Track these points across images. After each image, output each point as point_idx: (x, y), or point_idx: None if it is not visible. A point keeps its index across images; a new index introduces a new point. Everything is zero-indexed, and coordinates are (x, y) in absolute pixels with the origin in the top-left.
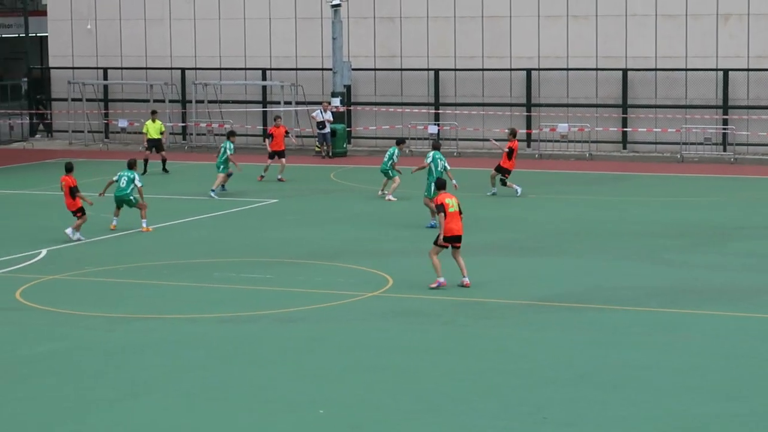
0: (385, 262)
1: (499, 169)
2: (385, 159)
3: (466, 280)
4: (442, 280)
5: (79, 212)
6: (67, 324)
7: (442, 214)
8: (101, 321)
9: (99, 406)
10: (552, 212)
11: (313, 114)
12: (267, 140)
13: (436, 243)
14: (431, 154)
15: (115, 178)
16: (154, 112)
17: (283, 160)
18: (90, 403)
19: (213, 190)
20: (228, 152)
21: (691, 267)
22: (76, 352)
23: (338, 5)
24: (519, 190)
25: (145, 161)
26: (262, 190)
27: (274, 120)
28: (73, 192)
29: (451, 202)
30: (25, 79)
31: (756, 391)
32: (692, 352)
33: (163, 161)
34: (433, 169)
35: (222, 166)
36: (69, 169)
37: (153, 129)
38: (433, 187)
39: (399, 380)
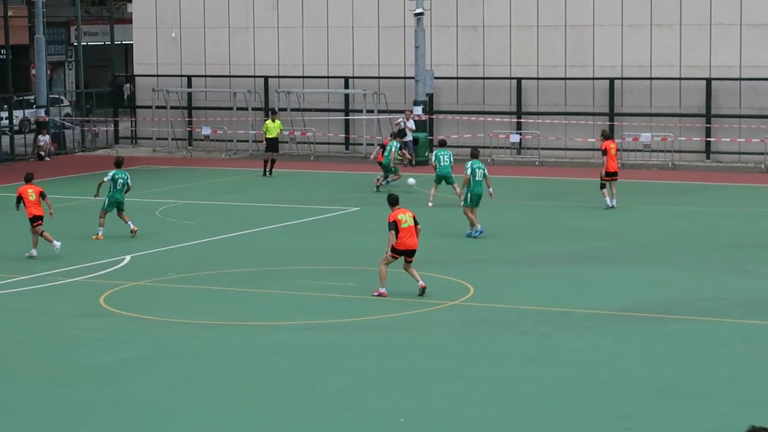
0: (466, 271)
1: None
2: (385, 153)
3: (421, 283)
4: (383, 290)
5: (40, 220)
6: (151, 330)
7: (393, 232)
8: (185, 327)
9: (189, 412)
10: (635, 222)
11: (397, 122)
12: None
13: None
14: (469, 164)
15: (107, 179)
16: (274, 112)
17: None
18: (179, 409)
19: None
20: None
21: None
22: (161, 359)
23: (421, 14)
24: (609, 202)
25: (265, 162)
26: (344, 198)
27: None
28: (42, 197)
29: (404, 217)
30: (128, 85)
31: None
32: None
33: (272, 162)
34: (471, 179)
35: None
36: (29, 179)
37: (273, 128)
38: (469, 197)
39: (480, 389)
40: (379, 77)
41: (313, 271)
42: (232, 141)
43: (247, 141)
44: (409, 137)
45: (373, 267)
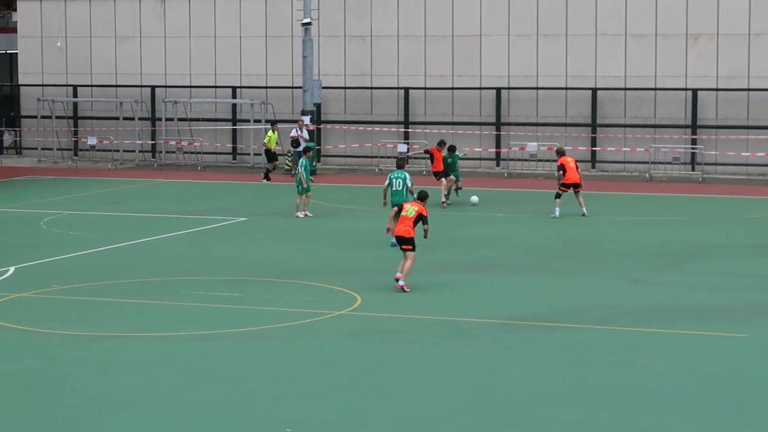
0: (353, 280)
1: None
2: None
3: (400, 283)
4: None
5: None
6: (36, 342)
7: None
8: (71, 339)
9: (79, 424)
10: (522, 231)
11: (292, 132)
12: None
13: None
14: (390, 174)
15: None
16: (274, 123)
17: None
18: (69, 421)
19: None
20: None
21: (661, 286)
22: (48, 371)
23: (309, 24)
24: (557, 212)
25: (267, 171)
26: (232, 209)
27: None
28: None
29: (409, 208)
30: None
31: (728, 410)
32: (663, 372)
33: (268, 171)
34: (389, 190)
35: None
36: None
37: (273, 139)
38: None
39: (369, 399)
40: (267, 87)
41: (200, 281)
42: (118, 151)
43: (134, 151)
44: (302, 147)
45: (259, 277)
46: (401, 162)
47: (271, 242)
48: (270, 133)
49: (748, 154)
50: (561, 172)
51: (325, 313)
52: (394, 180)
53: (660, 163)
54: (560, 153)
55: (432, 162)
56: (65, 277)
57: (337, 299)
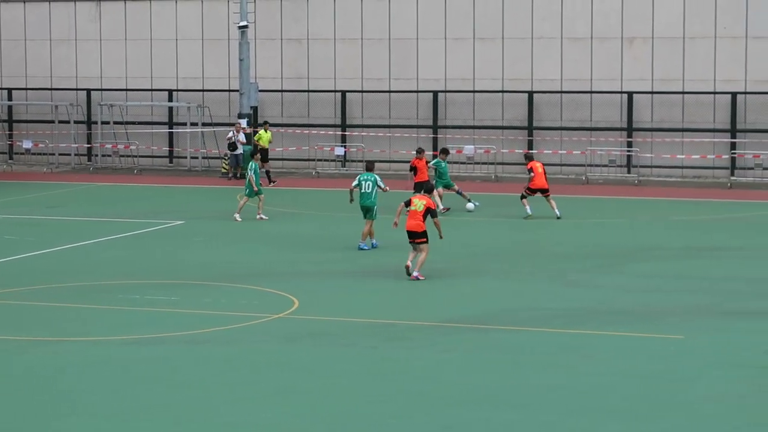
0: (290, 284)
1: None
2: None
3: (415, 273)
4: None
5: None
6: None
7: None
8: (6, 344)
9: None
10: (459, 234)
11: (228, 135)
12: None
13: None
14: (358, 176)
15: None
16: (266, 123)
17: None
18: (9, 428)
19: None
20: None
21: (596, 288)
22: None
23: (245, 27)
24: (529, 210)
25: (267, 172)
26: (168, 212)
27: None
28: None
29: (417, 202)
30: None
31: (660, 411)
32: (597, 373)
33: (268, 172)
34: (358, 191)
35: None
36: None
37: (265, 138)
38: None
39: (307, 402)
40: (204, 90)
41: (136, 285)
42: (54, 155)
43: (70, 155)
44: (239, 150)
45: (196, 281)
46: (371, 164)
47: (208, 246)
48: (261, 131)
49: (683, 156)
50: (531, 175)
51: (262, 317)
52: (363, 182)
53: (596, 165)
54: (529, 158)
55: (415, 174)
56: (0, 281)
57: (274, 303)
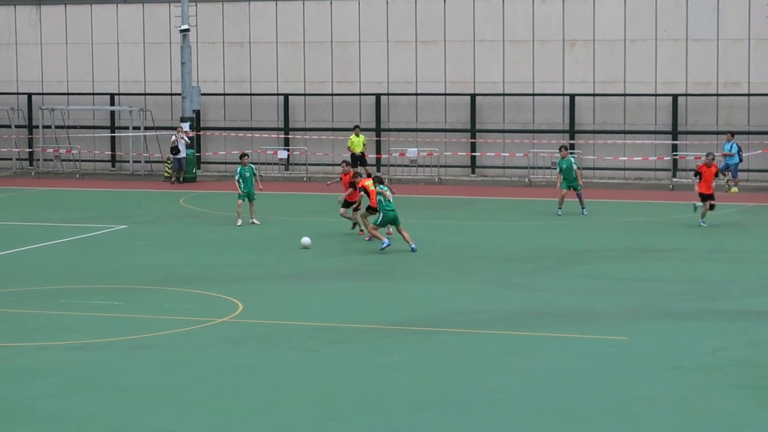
0: (234, 287)
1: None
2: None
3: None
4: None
5: None
6: None
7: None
8: None
9: None
10: (401, 237)
11: (172, 139)
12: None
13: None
14: (382, 187)
15: None
16: (357, 127)
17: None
18: None
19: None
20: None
21: (539, 290)
22: None
23: (187, 30)
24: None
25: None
26: (111, 216)
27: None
28: None
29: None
30: None
31: (603, 412)
32: (541, 375)
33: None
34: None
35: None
36: None
37: (357, 143)
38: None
39: (252, 407)
40: (146, 94)
41: (78, 290)
42: None
43: (11, 159)
44: (182, 154)
45: (140, 285)
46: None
47: (151, 250)
48: (352, 137)
49: (626, 158)
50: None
51: (206, 321)
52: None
53: (539, 168)
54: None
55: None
56: None
57: (218, 307)
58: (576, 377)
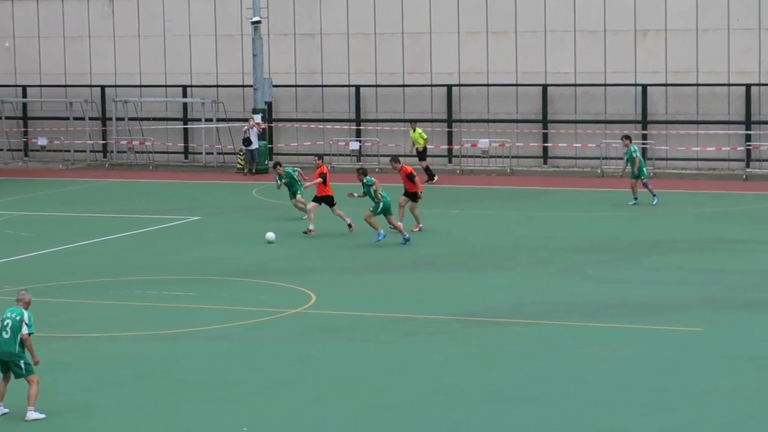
0: (307, 278)
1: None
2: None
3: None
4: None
5: None
6: None
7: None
8: None
9: (33, 426)
10: (475, 227)
11: (244, 129)
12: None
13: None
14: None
15: None
16: (413, 122)
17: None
18: (25, 426)
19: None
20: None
21: (611, 281)
22: None
23: (258, 22)
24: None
25: (427, 168)
26: (184, 208)
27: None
28: None
29: None
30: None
31: (679, 403)
32: (616, 366)
33: (427, 170)
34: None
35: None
36: None
37: (417, 138)
38: (381, 205)
39: (323, 397)
40: (218, 86)
41: (153, 281)
42: (69, 151)
43: (85, 151)
44: (254, 146)
45: (213, 276)
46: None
47: (223, 241)
48: (411, 132)
49: (698, 148)
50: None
51: (279, 312)
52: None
53: (611, 158)
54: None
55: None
56: (17, 278)
57: (291, 298)
58: (651, 368)
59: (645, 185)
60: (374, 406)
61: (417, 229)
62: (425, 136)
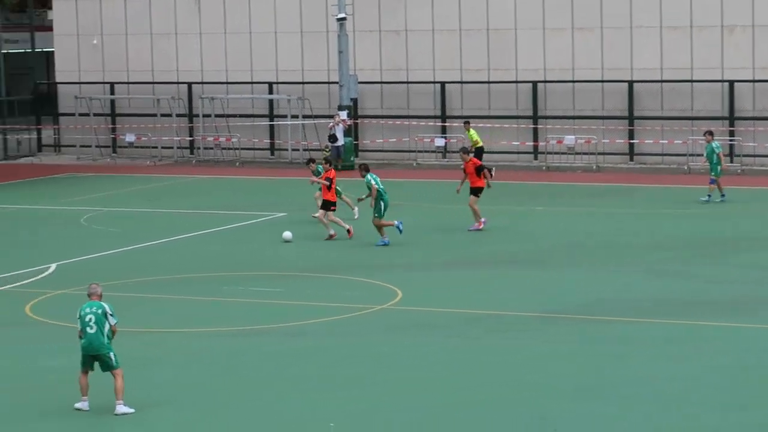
0: (392, 275)
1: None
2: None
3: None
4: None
5: None
6: (74, 339)
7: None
8: None
9: (117, 419)
10: (561, 224)
11: (330, 125)
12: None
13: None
14: (372, 177)
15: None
16: (467, 122)
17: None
18: (107, 416)
19: None
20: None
21: (697, 279)
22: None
23: (344, 19)
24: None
25: (487, 170)
26: (270, 204)
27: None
28: None
29: None
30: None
31: (764, 401)
32: (700, 364)
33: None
34: (381, 190)
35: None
36: None
37: (476, 136)
38: (382, 205)
39: (409, 393)
40: (303, 82)
41: (239, 277)
42: (156, 147)
43: (172, 147)
44: (340, 142)
45: (299, 273)
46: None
47: (310, 237)
48: (472, 131)
49: None
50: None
51: (365, 308)
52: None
53: (698, 155)
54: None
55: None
56: (106, 273)
57: (377, 294)
58: (736, 366)
59: (712, 182)
60: (465, 402)
61: (481, 226)
62: (476, 138)
